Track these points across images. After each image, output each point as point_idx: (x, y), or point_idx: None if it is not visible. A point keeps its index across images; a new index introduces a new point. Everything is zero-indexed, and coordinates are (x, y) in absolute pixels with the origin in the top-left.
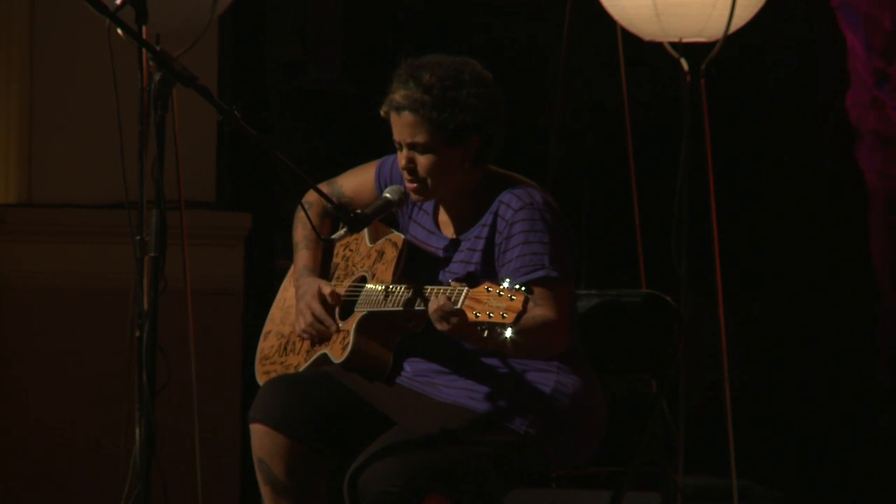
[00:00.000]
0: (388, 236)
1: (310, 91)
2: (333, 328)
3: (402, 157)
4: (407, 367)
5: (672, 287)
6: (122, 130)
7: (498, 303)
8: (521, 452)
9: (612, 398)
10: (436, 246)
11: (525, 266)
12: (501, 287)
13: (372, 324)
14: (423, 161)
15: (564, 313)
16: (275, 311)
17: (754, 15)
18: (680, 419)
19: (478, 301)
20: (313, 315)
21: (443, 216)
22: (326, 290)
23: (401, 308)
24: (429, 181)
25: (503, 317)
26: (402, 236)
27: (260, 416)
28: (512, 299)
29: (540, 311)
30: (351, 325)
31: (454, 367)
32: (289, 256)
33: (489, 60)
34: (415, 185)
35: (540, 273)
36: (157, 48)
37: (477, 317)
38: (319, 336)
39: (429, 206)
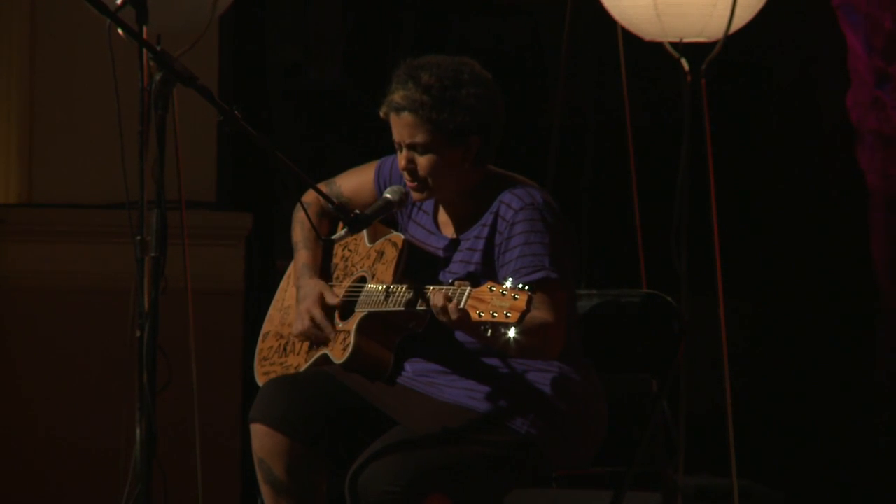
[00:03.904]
0: (387, 236)
1: (310, 91)
2: (331, 335)
3: (402, 158)
4: (408, 367)
5: (672, 287)
6: (122, 130)
7: (501, 302)
8: (521, 452)
9: (612, 398)
10: (435, 246)
11: (526, 267)
12: (504, 286)
13: (373, 324)
14: (423, 161)
15: (561, 317)
16: (273, 312)
17: (754, 15)
18: (680, 419)
19: (481, 301)
20: (312, 321)
21: (442, 216)
22: (328, 296)
23: (402, 308)
24: (429, 181)
25: (507, 316)
26: (402, 236)
27: (260, 416)
28: (515, 298)
29: (538, 313)
30: (352, 325)
31: (455, 366)
32: (289, 256)
33: (489, 60)
34: (415, 185)
35: (540, 274)
36: (158, 48)
37: (480, 316)
38: (317, 341)
39: (428, 206)
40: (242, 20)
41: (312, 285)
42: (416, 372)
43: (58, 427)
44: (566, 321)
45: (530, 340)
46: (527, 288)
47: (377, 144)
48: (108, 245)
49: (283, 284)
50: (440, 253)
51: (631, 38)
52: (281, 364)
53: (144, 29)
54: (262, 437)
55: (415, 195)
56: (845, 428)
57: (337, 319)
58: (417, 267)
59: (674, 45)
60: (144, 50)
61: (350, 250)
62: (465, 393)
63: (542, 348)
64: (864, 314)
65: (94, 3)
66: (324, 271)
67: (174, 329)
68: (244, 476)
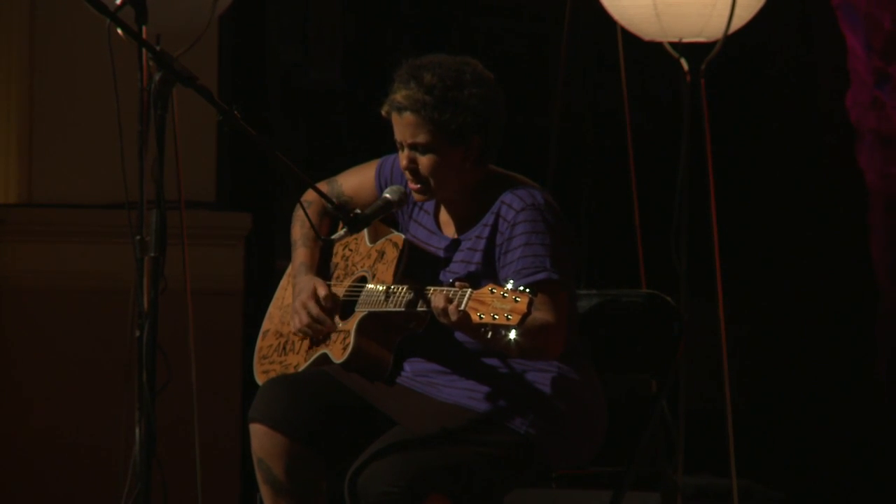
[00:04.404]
0: (388, 236)
1: (310, 91)
2: (330, 327)
3: (403, 158)
4: (407, 367)
5: (672, 287)
6: (122, 130)
7: (502, 304)
8: (521, 452)
9: (612, 398)
10: (437, 246)
11: (527, 268)
12: (505, 288)
13: (373, 324)
14: (424, 161)
15: (563, 318)
16: (273, 311)
17: (754, 15)
18: (680, 419)
19: (481, 303)
20: (309, 315)
21: (444, 216)
22: (322, 291)
23: (402, 309)
24: (431, 181)
25: (507, 318)
26: (403, 236)
27: (260, 416)
28: (516, 301)
29: (539, 314)
30: (351, 325)
31: (454, 367)
32: (288, 256)
33: (489, 60)
34: (417, 185)
35: (541, 275)
36: (157, 48)
37: (481, 318)
38: (315, 336)
39: (430, 205)
40: (242, 20)
41: (307, 281)
42: (416, 372)
43: (57, 427)
44: (567, 322)
45: (532, 342)
46: (528, 290)
47: (377, 144)
48: (107, 245)
49: (283, 283)
50: (441, 253)
51: (630, 38)
52: (280, 363)
53: (144, 29)
54: (261, 437)
55: (416, 196)
56: (845, 428)
57: (336, 319)
58: (418, 267)
59: (673, 45)
60: (144, 50)
61: (351, 250)
62: (465, 393)
63: (544, 349)
64: (864, 314)
65: (94, 3)
66: (324, 270)
67: (174, 329)
68: (244, 476)
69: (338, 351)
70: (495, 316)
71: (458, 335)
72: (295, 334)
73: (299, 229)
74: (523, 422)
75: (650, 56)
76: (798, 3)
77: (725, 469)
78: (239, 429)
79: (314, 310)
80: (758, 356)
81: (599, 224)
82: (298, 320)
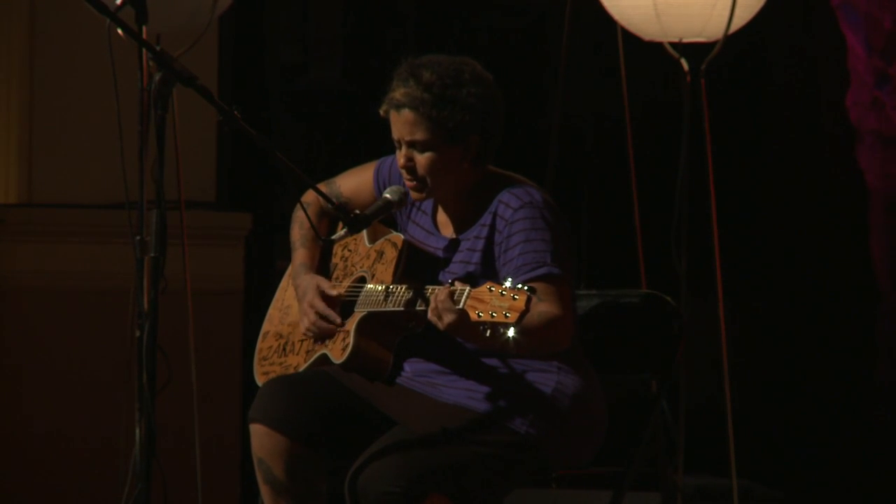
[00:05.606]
0: (387, 236)
1: (310, 91)
2: (338, 323)
3: (400, 156)
4: (407, 367)
5: (672, 287)
6: (122, 130)
7: (500, 302)
8: (521, 452)
9: (612, 398)
10: (435, 246)
11: (528, 264)
12: (504, 286)
13: (372, 324)
14: (421, 159)
15: (569, 308)
16: (273, 312)
17: (754, 15)
18: (680, 419)
19: (480, 301)
20: (317, 313)
21: (441, 216)
22: (325, 285)
23: (401, 308)
24: (428, 180)
25: (506, 316)
26: (402, 236)
27: (260, 416)
28: (515, 298)
29: (545, 306)
30: (351, 325)
31: (455, 367)
32: (288, 257)
33: (489, 61)
34: (414, 183)
35: (543, 270)
36: (158, 48)
37: (479, 316)
38: (323, 334)
39: (427, 206)
40: (242, 20)
41: (309, 280)
42: (416, 372)
43: (57, 427)
44: (573, 312)
45: (536, 336)
46: (526, 288)
47: (377, 144)
48: (108, 245)
49: (283, 284)
50: (439, 253)
51: (631, 38)
52: (280, 364)
53: (144, 29)
54: (261, 437)
55: (413, 195)
56: (845, 428)
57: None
58: (417, 267)
59: (674, 45)
60: (144, 50)
61: (350, 250)
62: (465, 393)
63: (553, 340)
64: (864, 314)
65: (94, 3)
66: (323, 271)
67: (174, 329)
68: (244, 476)
69: (337, 351)
70: (493, 314)
71: None
72: (303, 335)
73: (298, 230)
74: (523, 422)
75: (650, 56)
76: (798, 2)
77: (725, 469)
78: (239, 429)
79: (320, 306)
80: (758, 356)
81: (599, 224)
82: (307, 320)
